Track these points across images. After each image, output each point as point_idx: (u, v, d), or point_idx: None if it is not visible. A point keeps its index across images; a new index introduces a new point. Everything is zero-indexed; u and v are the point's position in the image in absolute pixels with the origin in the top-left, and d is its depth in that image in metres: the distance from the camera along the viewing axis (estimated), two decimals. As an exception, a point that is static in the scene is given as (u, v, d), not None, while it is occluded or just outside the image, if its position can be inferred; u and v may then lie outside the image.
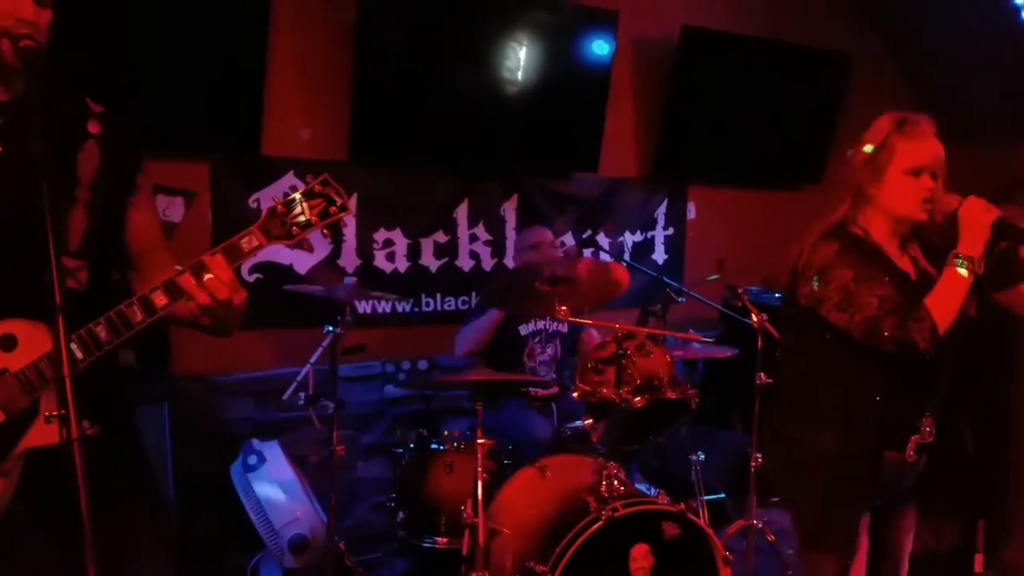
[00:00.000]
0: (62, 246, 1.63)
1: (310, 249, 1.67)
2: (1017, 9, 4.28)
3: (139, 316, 1.58)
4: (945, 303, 1.92)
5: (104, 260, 1.72)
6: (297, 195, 1.62)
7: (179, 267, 1.62)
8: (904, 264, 2.08)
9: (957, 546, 3.45)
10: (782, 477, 2.20)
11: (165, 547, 1.82)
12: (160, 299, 1.58)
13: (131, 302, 1.58)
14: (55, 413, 1.34)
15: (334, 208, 1.64)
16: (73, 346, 1.55)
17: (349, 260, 3.82)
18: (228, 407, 3.60)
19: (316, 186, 1.63)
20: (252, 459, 3.21)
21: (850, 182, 2.08)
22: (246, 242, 1.61)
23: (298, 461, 3.58)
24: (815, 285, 2.00)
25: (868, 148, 2.04)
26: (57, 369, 1.34)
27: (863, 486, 2.04)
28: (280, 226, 1.61)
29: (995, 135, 4.45)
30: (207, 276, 1.57)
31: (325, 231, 1.67)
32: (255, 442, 3.34)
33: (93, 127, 1.68)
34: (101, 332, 1.56)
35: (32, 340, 1.56)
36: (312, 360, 2.93)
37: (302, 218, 1.61)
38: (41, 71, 1.57)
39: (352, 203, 3.78)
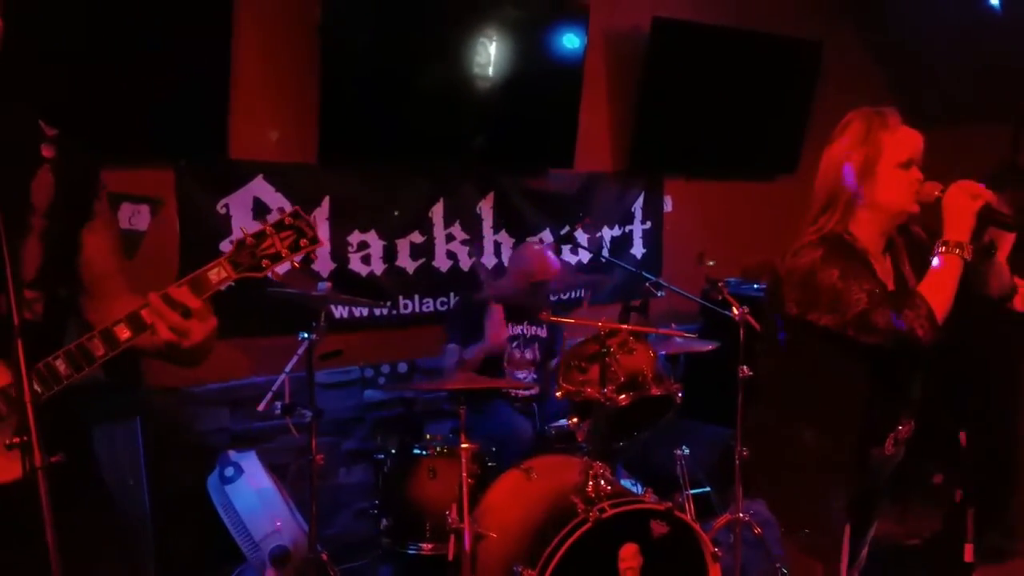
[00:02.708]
0: (16, 276, 1.57)
1: (277, 278, 1.70)
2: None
3: (101, 350, 1.52)
4: (938, 290, 1.88)
5: (59, 290, 1.66)
6: (267, 227, 1.61)
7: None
8: (883, 272, 2.04)
9: (940, 535, 3.47)
10: (767, 476, 2.21)
11: (133, 570, 1.76)
12: (123, 332, 1.53)
13: (92, 335, 1.52)
14: (15, 441, 1.27)
15: (304, 241, 1.64)
16: (32, 381, 1.49)
17: (323, 264, 3.74)
18: (202, 418, 3.52)
19: (287, 218, 1.63)
20: (229, 471, 3.14)
21: (839, 191, 1.99)
22: (214, 274, 1.59)
23: (277, 470, 3.51)
24: (802, 290, 1.96)
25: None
26: (18, 397, 1.28)
27: (847, 482, 2.04)
28: (250, 257, 1.60)
29: (967, 120, 4.47)
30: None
31: (295, 263, 1.65)
32: (232, 453, 3.27)
33: (47, 151, 1.60)
34: (60, 366, 1.50)
35: None
36: (288, 369, 2.85)
37: (272, 250, 1.61)
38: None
39: (324, 206, 3.72)
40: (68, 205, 1.62)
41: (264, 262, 1.60)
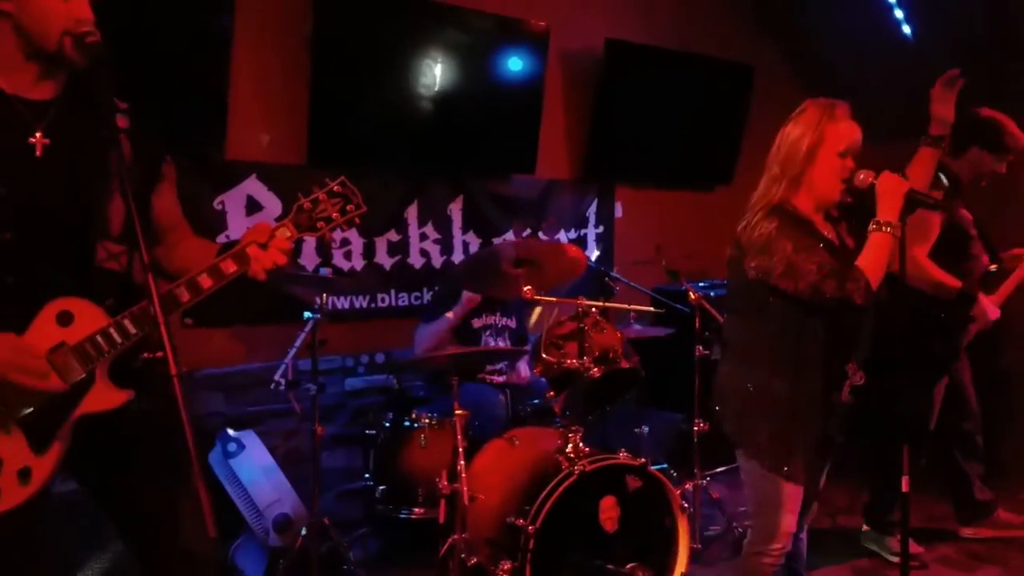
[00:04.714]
0: (106, 232, 1.81)
1: (330, 240, 1.95)
2: (898, 23, 4.87)
3: (186, 296, 1.79)
4: (874, 264, 2.24)
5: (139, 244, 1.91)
6: (321, 194, 1.88)
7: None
8: (829, 233, 2.41)
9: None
10: (739, 426, 2.44)
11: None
12: (205, 281, 1.80)
13: (179, 283, 1.78)
14: (149, 355, 1.53)
15: (351, 207, 1.90)
16: (127, 322, 1.74)
17: (309, 259, 4.00)
18: (198, 402, 3.70)
19: (336, 187, 1.89)
20: (232, 446, 3.33)
21: (786, 167, 2.32)
22: (280, 232, 1.85)
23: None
24: (761, 258, 2.27)
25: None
26: (153, 320, 1.54)
27: (814, 421, 2.36)
28: (308, 219, 1.87)
29: (888, 137, 4.98)
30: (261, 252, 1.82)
31: (344, 226, 1.91)
32: (231, 431, 3.47)
33: (122, 122, 1.85)
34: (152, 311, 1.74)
35: (87, 316, 1.73)
36: (297, 343, 3.10)
37: (325, 214, 1.87)
38: (104, 65, 1.75)
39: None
40: (142, 169, 1.88)
41: (319, 224, 1.88)
